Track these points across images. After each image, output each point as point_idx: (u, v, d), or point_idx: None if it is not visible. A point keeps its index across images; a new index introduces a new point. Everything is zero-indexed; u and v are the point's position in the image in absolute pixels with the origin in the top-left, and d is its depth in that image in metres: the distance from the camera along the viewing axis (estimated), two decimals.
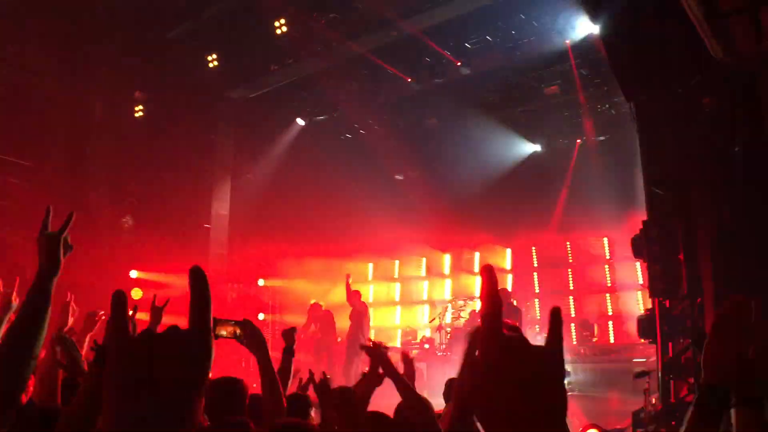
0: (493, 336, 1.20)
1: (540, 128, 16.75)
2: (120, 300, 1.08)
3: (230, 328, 3.82)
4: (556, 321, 1.27)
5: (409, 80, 15.05)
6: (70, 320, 4.45)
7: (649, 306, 9.89)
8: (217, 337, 4.00)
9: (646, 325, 9.12)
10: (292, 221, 18.99)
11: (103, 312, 5.26)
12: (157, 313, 5.11)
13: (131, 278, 15.95)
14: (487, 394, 1.18)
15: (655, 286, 8.93)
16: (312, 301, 16.64)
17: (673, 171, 9.10)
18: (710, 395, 1.63)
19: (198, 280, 1.13)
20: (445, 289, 19.75)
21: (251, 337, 3.86)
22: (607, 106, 14.63)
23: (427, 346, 17.10)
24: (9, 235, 12.60)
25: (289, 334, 5.05)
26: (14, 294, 4.02)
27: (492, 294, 1.21)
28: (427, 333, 18.53)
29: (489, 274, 1.23)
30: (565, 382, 1.23)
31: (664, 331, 8.63)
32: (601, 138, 15.37)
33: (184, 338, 1.06)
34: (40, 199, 14.20)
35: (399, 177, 18.80)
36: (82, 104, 15.24)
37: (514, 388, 1.17)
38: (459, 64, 14.32)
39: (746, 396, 1.69)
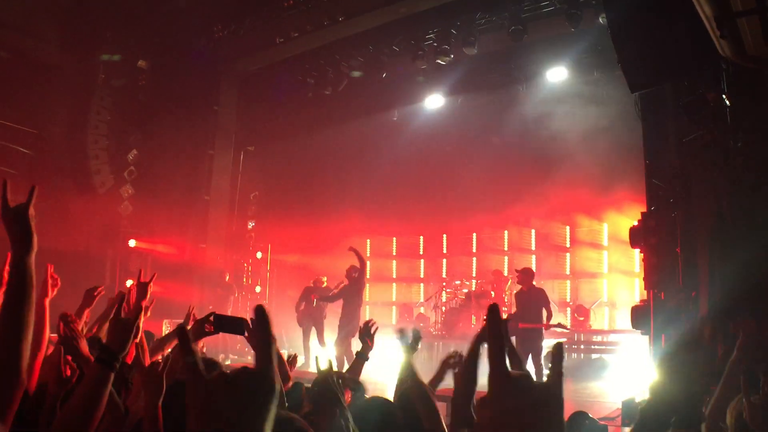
0: (500, 376, 1.26)
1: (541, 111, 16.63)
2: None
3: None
4: (558, 356, 1.34)
5: (414, 58, 14.89)
6: (51, 292, 4.38)
7: (645, 296, 9.95)
8: (217, 332, 4.09)
9: (640, 315, 9.17)
10: (291, 195, 19.03)
11: (101, 287, 5.23)
12: (142, 288, 5.00)
13: (130, 247, 15.99)
14: (495, 429, 1.26)
15: (651, 277, 8.97)
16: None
17: (675, 164, 9.11)
18: (654, 420, 1.68)
19: (261, 320, 1.20)
20: (442, 269, 19.82)
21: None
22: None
23: (422, 324, 17.22)
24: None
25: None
26: (6, 268, 4.02)
27: (496, 334, 1.27)
28: (423, 311, 18.69)
29: (494, 314, 1.29)
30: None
31: (658, 323, 8.68)
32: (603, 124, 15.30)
33: (251, 377, 1.19)
34: (42, 167, 14.29)
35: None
36: (85, 72, 15.18)
37: (519, 425, 1.24)
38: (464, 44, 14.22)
39: (689, 423, 1.78)
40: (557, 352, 1.32)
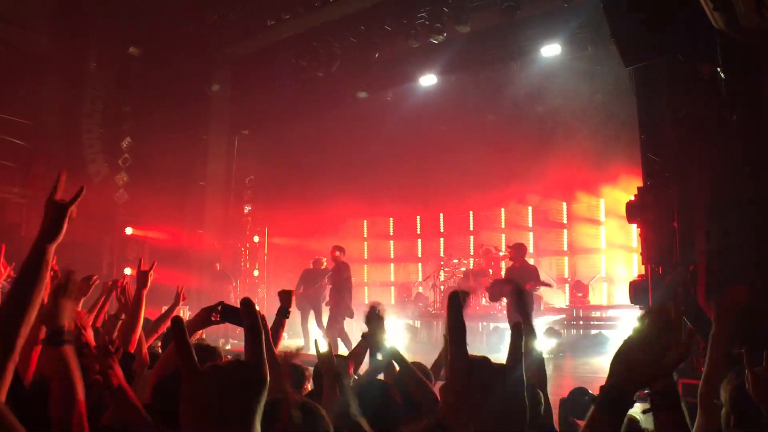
0: (459, 360, 1.30)
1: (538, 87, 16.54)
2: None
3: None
4: (516, 336, 1.37)
5: (406, 37, 14.79)
6: (51, 283, 4.38)
7: (643, 271, 9.96)
8: (222, 321, 4.12)
9: (638, 290, 9.17)
10: (287, 178, 19.00)
11: (96, 276, 5.23)
12: (143, 277, 4.98)
13: (127, 235, 15.98)
14: (459, 412, 1.30)
15: (648, 252, 8.97)
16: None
17: (671, 138, 9.08)
18: (616, 397, 1.67)
19: (249, 313, 1.27)
20: (439, 248, 19.81)
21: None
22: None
23: (420, 304, 17.26)
24: (4, 193, 12.58)
25: (285, 295, 5.11)
26: (2, 260, 4.05)
27: (456, 321, 1.31)
28: (421, 290, 18.72)
29: (453, 301, 1.32)
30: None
31: (656, 297, 8.69)
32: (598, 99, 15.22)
33: (242, 370, 1.25)
34: (37, 158, 14.23)
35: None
36: (77, 61, 15.08)
37: (480, 405, 1.28)
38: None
39: (667, 401, 1.78)
40: (515, 332, 1.35)
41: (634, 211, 9.36)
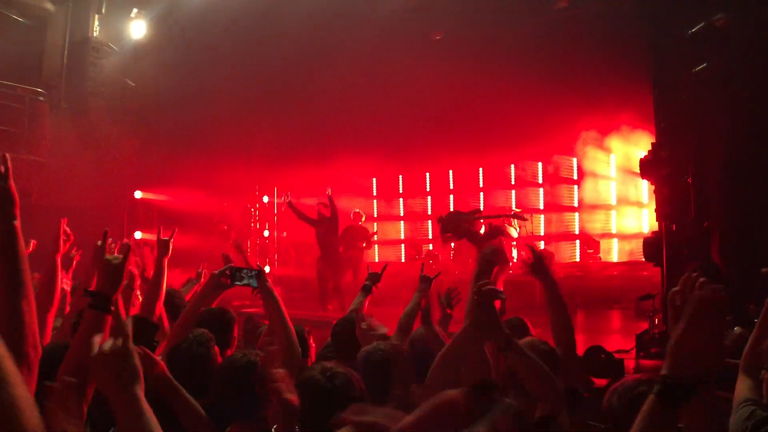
0: None
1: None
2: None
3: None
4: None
5: None
6: (64, 247, 4.36)
7: (655, 227, 9.90)
8: (233, 284, 4.09)
9: (652, 247, 9.13)
10: (295, 137, 18.79)
11: (110, 240, 5.17)
12: (163, 245, 4.88)
13: (136, 199, 15.94)
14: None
15: (662, 209, 8.91)
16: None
17: (685, 93, 8.95)
18: (676, 387, 1.61)
19: None
20: (449, 205, 19.69)
21: (263, 287, 4.07)
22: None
23: (431, 261, 17.21)
24: (13, 161, 12.50)
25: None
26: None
27: None
28: (431, 248, 18.70)
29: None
30: None
31: (670, 254, 8.65)
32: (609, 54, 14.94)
33: None
34: (42, 124, 14.14)
35: None
36: (80, 23, 14.87)
37: None
38: None
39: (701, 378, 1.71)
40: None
41: (647, 167, 9.26)
